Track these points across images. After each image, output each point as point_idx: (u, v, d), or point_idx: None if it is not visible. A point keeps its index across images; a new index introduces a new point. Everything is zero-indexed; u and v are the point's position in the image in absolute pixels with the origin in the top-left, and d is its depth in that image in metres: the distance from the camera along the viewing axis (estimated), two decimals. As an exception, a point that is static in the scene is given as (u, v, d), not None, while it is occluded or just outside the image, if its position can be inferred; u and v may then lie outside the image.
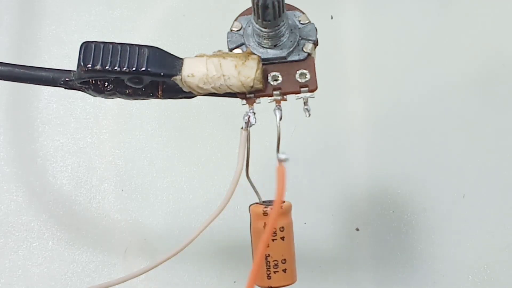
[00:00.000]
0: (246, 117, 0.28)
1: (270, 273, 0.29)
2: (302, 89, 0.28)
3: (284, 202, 0.30)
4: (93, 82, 0.28)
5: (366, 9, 0.49)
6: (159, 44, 0.27)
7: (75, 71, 0.28)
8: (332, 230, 0.44)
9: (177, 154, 0.46)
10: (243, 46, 0.29)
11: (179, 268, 0.43)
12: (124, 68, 0.26)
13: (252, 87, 0.27)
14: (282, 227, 0.29)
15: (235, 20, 0.29)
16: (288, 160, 0.22)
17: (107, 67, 0.26)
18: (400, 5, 0.49)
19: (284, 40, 0.28)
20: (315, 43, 0.29)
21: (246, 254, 0.31)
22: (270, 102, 0.28)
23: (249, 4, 0.27)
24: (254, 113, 0.28)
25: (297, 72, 0.28)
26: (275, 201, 0.22)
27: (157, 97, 0.29)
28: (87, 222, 0.45)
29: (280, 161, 0.22)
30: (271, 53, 0.28)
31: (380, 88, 0.48)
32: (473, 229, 0.44)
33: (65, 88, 0.29)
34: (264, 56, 0.28)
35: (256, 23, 0.27)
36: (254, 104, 0.28)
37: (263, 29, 0.27)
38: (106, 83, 0.28)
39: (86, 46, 0.27)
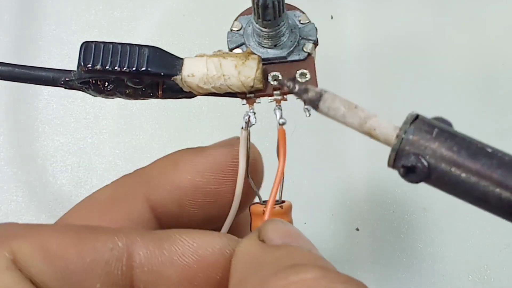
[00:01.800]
0: (246, 117, 0.28)
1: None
2: (302, 89, 0.28)
3: (284, 201, 0.30)
4: (93, 82, 0.28)
5: (366, 9, 0.49)
6: (159, 44, 0.27)
7: (75, 71, 0.28)
8: (332, 230, 0.44)
9: (177, 154, 0.46)
10: (243, 46, 0.29)
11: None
12: (124, 68, 0.26)
13: (252, 87, 0.27)
14: (282, 227, 0.29)
15: (235, 20, 0.29)
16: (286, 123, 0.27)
17: (107, 67, 0.26)
18: (400, 5, 0.49)
19: (284, 40, 0.28)
20: (315, 43, 0.29)
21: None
22: (270, 102, 0.28)
23: (249, 4, 0.27)
24: (254, 113, 0.28)
25: (297, 72, 0.28)
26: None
27: (157, 97, 0.29)
28: (87, 222, 0.45)
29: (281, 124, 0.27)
30: (271, 53, 0.28)
31: (380, 87, 0.48)
32: (473, 229, 0.44)
33: (65, 88, 0.29)
34: (264, 56, 0.28)
35: (256, 23, 0.27)
36: (254, 104, 0.28)
37: (263, 29, 0.27)
38: (106, 83, 0.28)
39: (86, 46, 0.27)
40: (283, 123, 0.27)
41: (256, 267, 0.21)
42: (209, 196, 0.27)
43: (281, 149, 0.27)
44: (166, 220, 0.25)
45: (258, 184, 0.28)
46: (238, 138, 0.28)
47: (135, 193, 0.26)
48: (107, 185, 0.27)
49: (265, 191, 0.29)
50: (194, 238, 0.23)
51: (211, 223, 0.26)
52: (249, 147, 0.28)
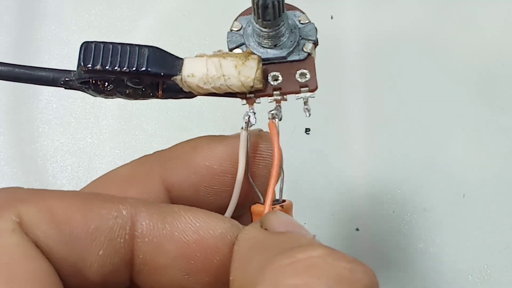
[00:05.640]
0: (246, 117, 0.28)
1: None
2: (302, 89, 0.28)
3: (285, 201, 0.30)
4: (93, 82, 0.28)
5: (366, 9, 0.49)
6: (159, 44, 0.27)
7: (75, 71, 0.28)
8: (332, 230, 0.44)
9: (177, 154, 0.46)
10: (243, 46, 0.29)
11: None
12: (124, 68, 0.26)
13: (252, 87, 0.27)
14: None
15: (235, 20, 0.29)
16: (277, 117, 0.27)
17: (107, 67, 0.26)
18: (400, 4, 0.49)
19: (284, 40, 0.28)
20: (315, 43, 0.29)
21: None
22: (270, 102, 0.28)
23: (249, 4, 0.27)
24: (254, 113, 0.28)
25: (297, 72, 0.28)
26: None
27: (157, 97, 0.29)
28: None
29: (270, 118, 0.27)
30: (271, 53, 0.28)
31: (380, 87, 0.48)
32: (473, 229, 0.44)
33: (65, 88, 0.29)
34: (264, 56, 0.28)
35: (256, 23, 0.27)
36: (254, 104, 0.28)
37: (263, 29, 0.27)
38: (106, 83, 0.28)
39: (86, 46, 0.27)
40: (274, 117, 0.27)
41: (260, 249, 0.21)
42: (225, 185, 0.27)
43: (273, 142, 0.27)
44: (181, 204, 0.25)
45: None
46: (261, 130, 0.28)
47: (153, 174, 0.26)
48: (126, 164, 0.27)
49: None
50: (197, 217, 0.23)
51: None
52: (249, 147, 0.28)
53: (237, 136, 0.28)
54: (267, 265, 0.19)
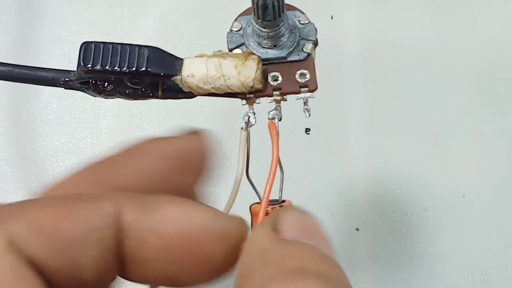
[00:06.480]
0: (246, 117, 0.28)
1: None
2: (302, 89, 0.28)
3: (284, 201, 0.30)
4: (93, 82, 0.28)
5: (366, 9, 0.49)
6: (159, 44, 0.27)
7: (75, 71, 0.28)
8: (332, 230, 0.44)
9: (177, 154, 0.46)
10: (243, 46, 0.29)
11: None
12: (124, 68, 0.26)
13: (252, 87, 0.27)
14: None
15: (235, 20, 0.29)
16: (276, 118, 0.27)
17: (107, 67, 0.26)
18: (400, 5, 0.49)
19: (284, 40, 0.28)
20: (315, 43, 0.29)
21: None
22: (270, 102, 0.28)
23: (249, 4, 0.27)
24: (254, 113, 0.28)
25: (297, 72, 0.28)
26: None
27: (157, 97, 0.29)
28: (87, 222, 0.45)
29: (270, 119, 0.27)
30: (271, 53, 0.28)
31: (379, 87, 0.48)
32: (473, 229, 0.44)
33: (65, 88, 0.29)
34: (264, 56, 0.28)
35: (256, 23, 0.27)
36: (254, 104, 0.28)
37: (263, 29, 0.27)
38: (106, 83, 0.28)
39: (86, 46, 0.27)
40: (273, 118, 0.27)
41: (262, 261, 0.21)
42: (172, 186, 0.26)
43: (273, 143, 0.27)
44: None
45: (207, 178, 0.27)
46: (200, 130, 0.27)
47: (100, 180, 0.26)
48: (75, 171, 0.27)
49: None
50: (178, 208, 0.23)
51: None
52: (249, 147, 0.28)
53: (182, 135, 0.27)
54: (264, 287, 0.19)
